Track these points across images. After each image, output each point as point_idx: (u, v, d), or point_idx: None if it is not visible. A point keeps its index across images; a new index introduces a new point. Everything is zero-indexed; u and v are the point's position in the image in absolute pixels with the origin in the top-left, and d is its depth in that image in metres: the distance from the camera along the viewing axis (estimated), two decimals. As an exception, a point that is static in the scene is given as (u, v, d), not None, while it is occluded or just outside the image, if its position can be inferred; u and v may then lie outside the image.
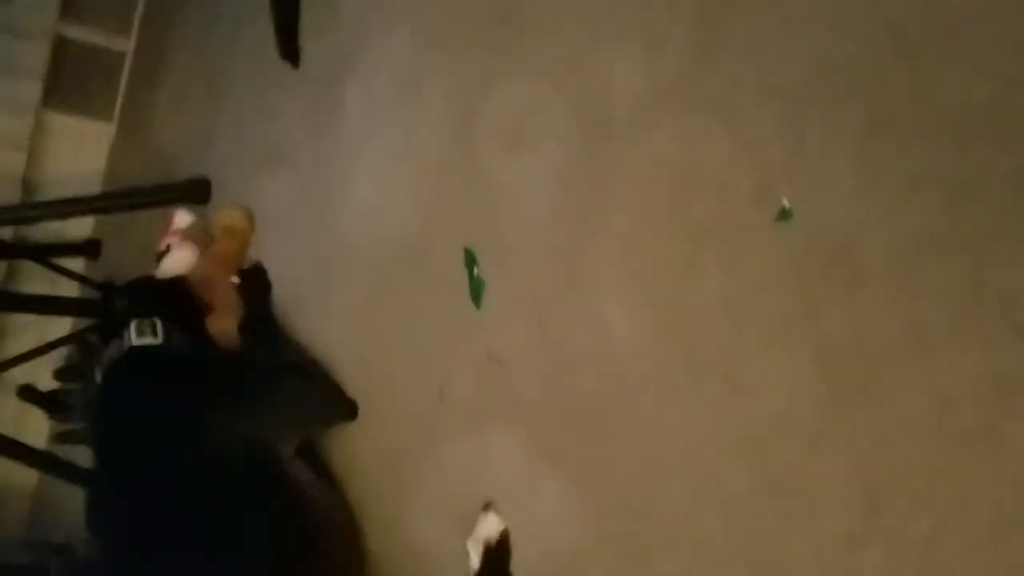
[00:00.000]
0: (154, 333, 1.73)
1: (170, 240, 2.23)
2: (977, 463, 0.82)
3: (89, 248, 3.10)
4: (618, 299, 1.20)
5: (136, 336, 1.71)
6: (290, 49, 2.04)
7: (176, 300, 1.95)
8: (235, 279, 2.10)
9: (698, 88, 1.12)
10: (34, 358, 2.72)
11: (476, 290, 1.43)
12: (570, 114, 1.31)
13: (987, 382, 0.81)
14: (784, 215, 0.99)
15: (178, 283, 2.02)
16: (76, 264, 3.10)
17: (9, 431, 2.75)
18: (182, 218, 2.30)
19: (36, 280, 2.89)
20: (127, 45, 3.20)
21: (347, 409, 1.75)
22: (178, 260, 2.14)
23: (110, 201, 2.82)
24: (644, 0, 1.21)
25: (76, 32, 3.09)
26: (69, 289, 2.88)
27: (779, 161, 1.01)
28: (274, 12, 2.05)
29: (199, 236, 2.21)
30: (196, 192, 2.45)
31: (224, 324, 1.94)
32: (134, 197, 2.58)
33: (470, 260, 1.45)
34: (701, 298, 1.08)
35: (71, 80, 3.13)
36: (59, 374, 2.86)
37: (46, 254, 2.92)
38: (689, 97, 1.13)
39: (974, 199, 0.84)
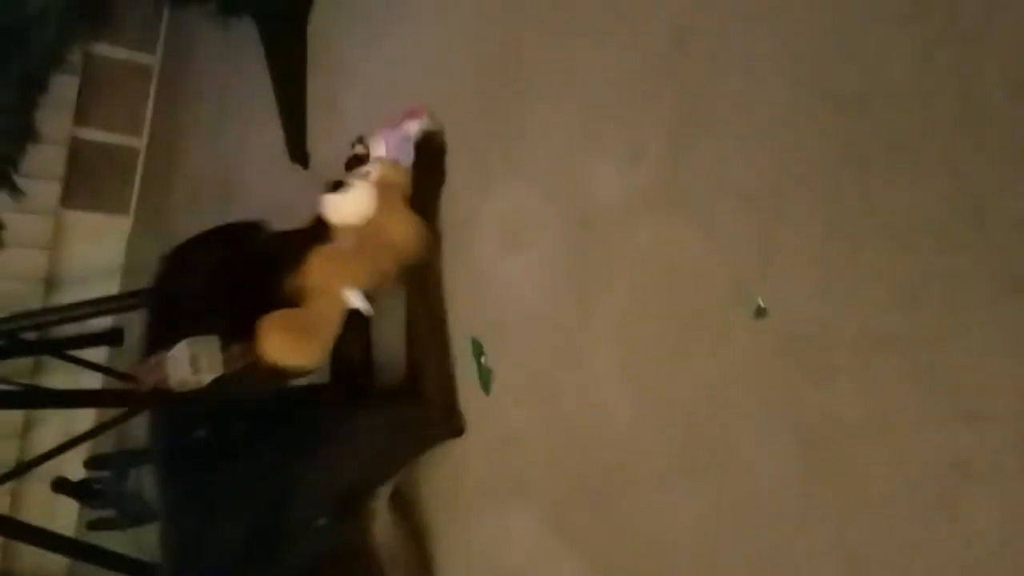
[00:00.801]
0: (200, 368, 1.42)
1: (361, 169, 1.63)
2: (942, 534, 0.92)
3: (112, 337, 3.21)
4: (615, 384, 1.30)
5: (180, 373, 1.42)
6: (299, 152, 2.17)
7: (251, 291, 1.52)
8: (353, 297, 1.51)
9: (674, 194, 1.24)
10: (63, 452, 2.82)
11: (485, 378, 1.54)
12: (559, 215, 1.43)
13: (944, 463, 0.92)
14: (759, 312, 1.10)
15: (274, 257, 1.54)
16: (99, 352, 3.22)
17: (39, 519, 2.86)
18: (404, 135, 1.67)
19: (60, 372, 3.00)
20: (140, 142, 3.34)
21: (450, 428, 1.59)
22: (354, 205, 1.56)
23: (127, 301, 2.95)
24: (623, 113, 1.33)
25: (90, 133, 3.23)
26: (93, 379, 2.99)
27: (751, 262, 1.12)
28: (283, 119, 2.19)
29: (392, 188, 1.60)
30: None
31: (297, 349, 1.46)
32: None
33: (477, 350, 1.56)
34: (690, 386, 1.19)
35: (87, 178, 3.28)
36: (90, 463, 2.96)
37: (68, 347, 3.02)
38: (667, 202, 1.25)
39: (922, 299, 0.95)
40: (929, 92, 0.96)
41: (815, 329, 1.04)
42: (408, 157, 1.67)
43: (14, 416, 3.14)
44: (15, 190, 2.50)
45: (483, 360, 1.55)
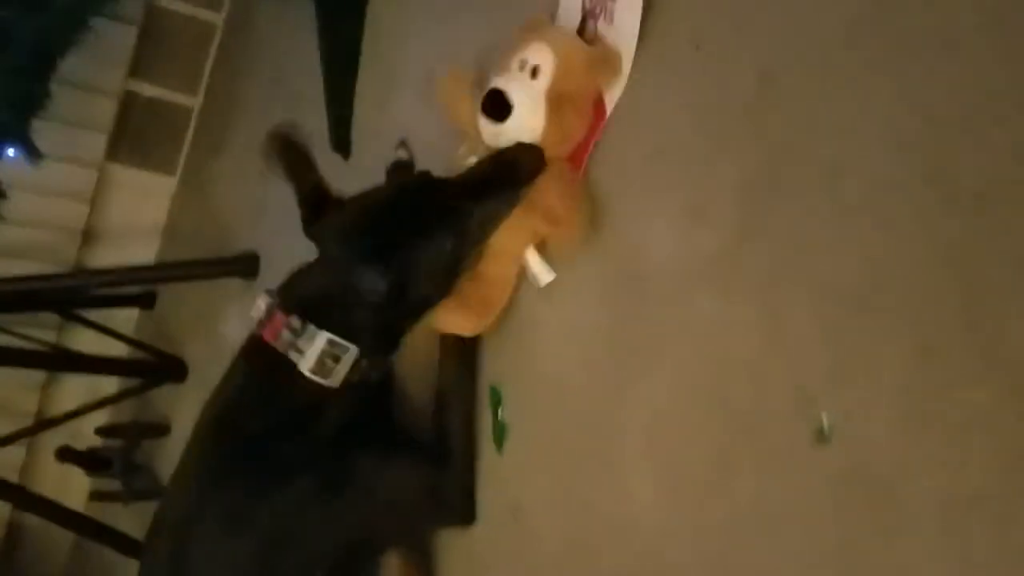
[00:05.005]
0: (330, 374, 1.25)
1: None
2: None
3: (143, 300, 3.11)
4: (646, 476, 1.12)
5: (301, 359, 1.24)
6: (342, 142, 2.01)
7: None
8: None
9: (738, 268, 1.04)
10: (78, 417, 2.74)
11: (499, 434, 1.36)
12: (603, 261, 1.24)
13: None
14: (823, 432, 0.90)
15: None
16: (130, 314, 3.13)
17: (52, 487, 2.78)
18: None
19: (88, 334, 2.89)
20: (194, 101, 3.22)
21: (464, 514, 1.39)
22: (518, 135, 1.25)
23: (157, 272, 2.85)
24: (688, 160, 1.14)
25: (144, 88, 3.12)
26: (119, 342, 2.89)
27: (820, 370, 0.92)
28: (328, 103, 2.03)
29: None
30: (244, 267, 2.44)
31: (469, 325, 1.36)
32: (181, 269, 2.59)
33: (495, 399, 1.38)
34: (732, 502, 1.00)
35: (137, 133, 3.17)
36: (103, 431, 2.87)
37: (94, 305, 2.92)
38: (728, 276, 1.05)
39: (1032, 464, 0.75)
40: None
41: (890, 471, 0.84)
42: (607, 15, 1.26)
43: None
44: (32, 153, 2.37)
45: (500, 412, 1.37)
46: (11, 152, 2.24)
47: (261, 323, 1.27)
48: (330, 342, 1.23)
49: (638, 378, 1.15)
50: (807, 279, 0.96)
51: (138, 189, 3.23)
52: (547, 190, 1.26)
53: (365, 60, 2.06)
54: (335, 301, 1.26)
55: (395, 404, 1.46)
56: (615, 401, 1.18)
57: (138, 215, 3.24)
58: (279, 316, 1.25)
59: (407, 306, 1.30)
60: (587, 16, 1.32)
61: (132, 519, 2.64)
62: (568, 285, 1.31)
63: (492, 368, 1.41)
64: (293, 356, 1.23)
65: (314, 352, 1.23)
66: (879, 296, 0.88)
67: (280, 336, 1.24)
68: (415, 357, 1.51)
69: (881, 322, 0.88)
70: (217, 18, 3.20)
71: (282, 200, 2.42)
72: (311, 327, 1.23)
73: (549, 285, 1.33)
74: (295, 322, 1.23)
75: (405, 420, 1.48)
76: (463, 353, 1.43)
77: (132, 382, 2.80)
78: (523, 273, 1.36)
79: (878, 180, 0.91)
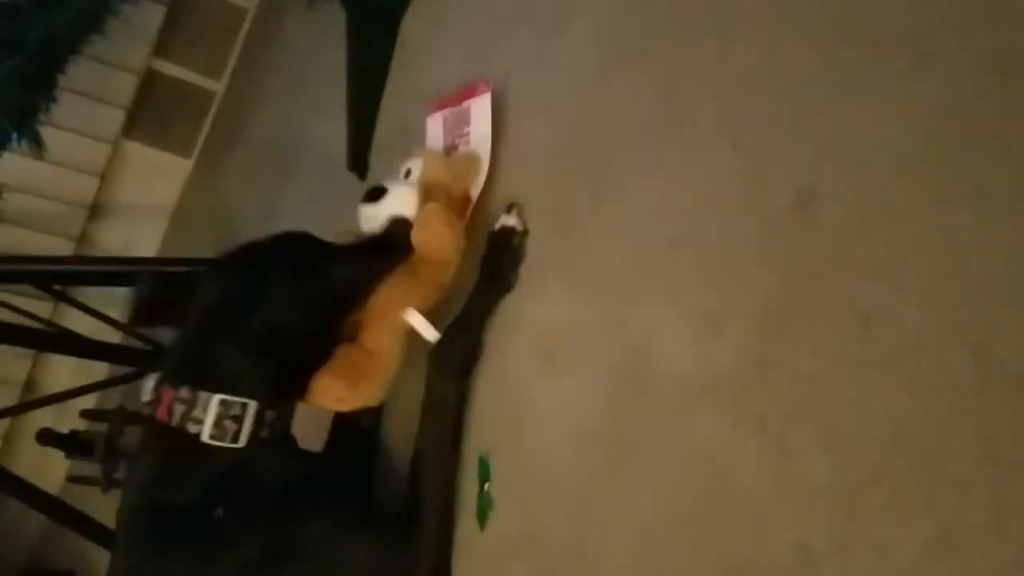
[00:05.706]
0: (234, 435, 1.22)
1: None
2: None
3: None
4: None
5: (200, 426, 1.21)
6: (358, 163, 1.95)
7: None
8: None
9: (749, 394, 0.98)
10: (66, 399, 2.69)
11: (483, 507, 1.30)
12: (608, 352, 1.18)
13: None
14: (824, 603, 0.84)
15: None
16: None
17: (32, 462, 2.74)
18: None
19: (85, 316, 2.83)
20: (217, 86, 3.16)
21: None
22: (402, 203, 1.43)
23: (154, 268, 2.78)
24: (713, 268, 1.07)
25: (168, 67, 3.06)
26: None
27: (826, 532, 0.86)
28: (350, 121, 1.97)
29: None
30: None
31: (350, 397, 1.32)
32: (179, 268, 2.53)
33: (483, 472, 1.32)
34: (714, 647, 0.94)
35: (156, 112, 3.11)
36: (87, 414, 2.82)
37: (91, 281, 2.84)
38: (739, 401, 0.99)
39: None
40: None
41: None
42: (465, 139, 1.51)
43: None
44: (38, 145, 2.30)
45: (487, 487, 1.31)
46: (17, 141, 2.18)
47: (152, 404, 1.25)
48: (223, 403, 1.21)
49: (629, 483, 1.09)
50: (823, 427, 0.89)
51: (151, 168, 3.18)
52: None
53: (391, 80, 1.99)
54: (213, 358, 1.25)
55: (375, 464, 1.41)
56: (601, 504, 1.12)
57: (149, 194, 3.19)
58: (167, 392, 1.23)
59: (281, 344, 1.28)
60: (450, 148, 1.57)
61: (109, 505, 2.60)
62: (571, 365, 1.25)
63: (485, 433, 1.35)
64: (192, 428, 1.21)
65: (211, 418, 1.21)
66: (899, 466, 0.81)
67: (173, 412, 1.22)
68: (400, 413, 1.46)
69: (899, 496, 0.81)
70: (248, 2, 3.13)
71: (291, 207, 2.37)
72: (202, 393, 1.21)
73: (554, 361, 1.27)
74: (185, 393, 1.22)
75: (385, 481, 1.42)
76: (445, 417, 1.37)
77: (123, 367, 2.75)
78: (411, 342, 1.39)
79: (912, 338, 0.84)
